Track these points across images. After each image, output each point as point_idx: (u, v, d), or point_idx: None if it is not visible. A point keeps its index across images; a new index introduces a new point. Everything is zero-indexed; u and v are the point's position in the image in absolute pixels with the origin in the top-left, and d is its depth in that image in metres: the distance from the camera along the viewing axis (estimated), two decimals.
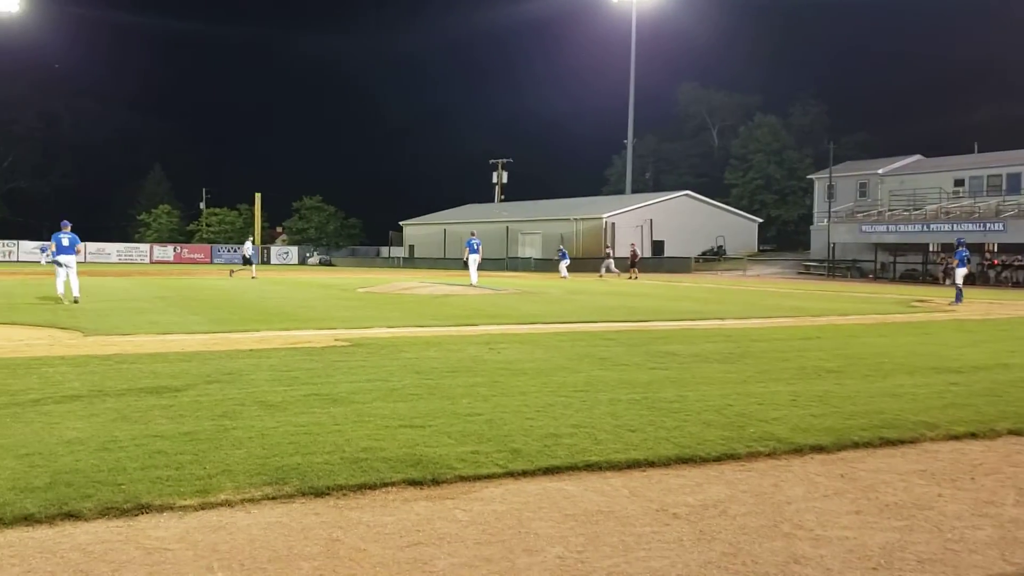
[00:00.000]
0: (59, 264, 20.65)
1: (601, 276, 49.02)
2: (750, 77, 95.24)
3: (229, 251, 78.58)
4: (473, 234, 35.09)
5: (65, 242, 20.89)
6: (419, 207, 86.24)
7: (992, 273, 43.46)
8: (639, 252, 51.59)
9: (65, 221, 21.57)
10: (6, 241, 70.59)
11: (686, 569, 4.17)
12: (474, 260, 31.96)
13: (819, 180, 66.30)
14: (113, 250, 75.93)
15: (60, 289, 20.83)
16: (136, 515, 4.79)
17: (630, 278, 45.48)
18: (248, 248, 43.14)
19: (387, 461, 5.87)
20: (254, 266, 42.21)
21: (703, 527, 4.80)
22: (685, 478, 5.79)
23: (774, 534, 4.71)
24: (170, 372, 9.62)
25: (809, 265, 58.01)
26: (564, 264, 47.50)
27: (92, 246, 73.67)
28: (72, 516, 4.72)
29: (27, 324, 15.21)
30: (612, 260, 53.49)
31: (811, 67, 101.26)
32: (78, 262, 21.71)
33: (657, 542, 4.55)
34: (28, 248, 69.87)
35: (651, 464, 6.05)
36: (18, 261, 65.30)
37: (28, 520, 4.64)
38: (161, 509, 4.88)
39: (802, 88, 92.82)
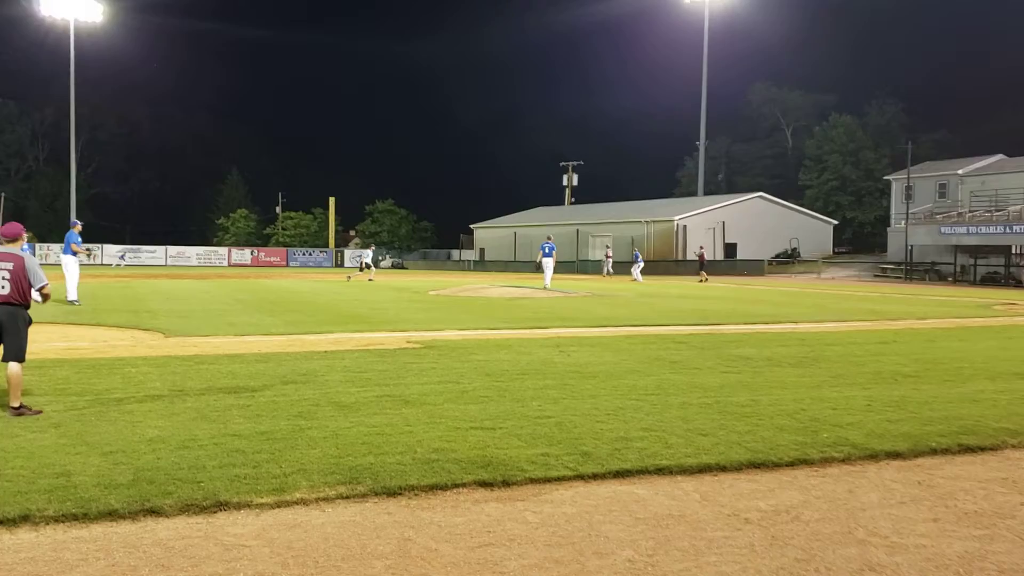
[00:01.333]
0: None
1: (605, 276, 50.61)
2: (825, 76, 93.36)
3: (304, 254, 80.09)
4: (549, 238, 35.28)
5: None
6: (490, 210, 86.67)
7: None
8: (706, 255, 51.15)
9: (73, 220, 21.89)
10: (90, 245, 73.14)
11: (758, 574, 4.12)
12: (548, 264, 31.96)
13: (896, 181, 64.60)
14: (193, 253, 78.07)
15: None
16: (215, 512, 4.93)
17: (700, 281, 45.02)
18: (369, 255, 45.32)
19: (458, 462, 5.93)
20: (373, 269, 44.62)
21: (775, 532, 4.73)
22: (757, 483, 5.71)
23: (848, 541, 4.62)
24: (247, 373, 9.86)
25: (886, 268, 56.53)
26: (638, 268, 47.45)
27: (173, 249, 75.86)
28: (153, 512, 4.88)
29: (111, 326, 15.75)
30: (611, 261, 55.72)
31: (889, 65, 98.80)
32: (82, 264, 22.21)
33: (728, 547, 4.51)
34: (112, 252, 72.31)
35: (723, 469, 5.98)
36: (102, 264, 67.65)
37: (112, 515, 4.82)
38: (239, 507, 5.02)
39: (879, 87, 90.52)
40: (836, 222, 73.59)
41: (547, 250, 32.55)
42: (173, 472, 5.59)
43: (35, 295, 7.78)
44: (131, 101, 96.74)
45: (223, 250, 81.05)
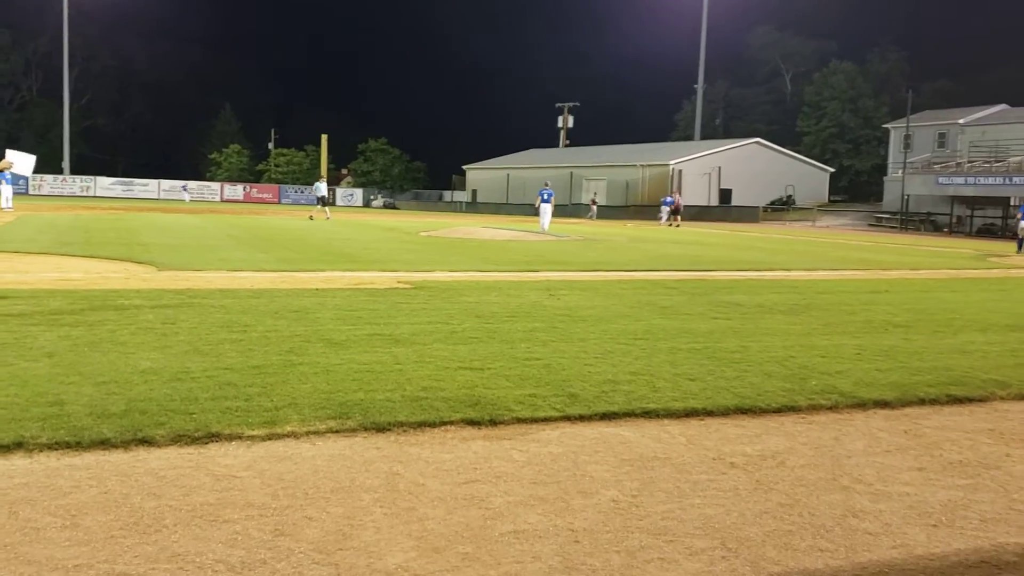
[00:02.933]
0: None
1: (588, 220, 51.06)
2: (827, 21, 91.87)
3: (296, 191, 79.61)
4: (547, 184, 35.62)
5: None
6: (483, 151, 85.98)
7: None
8: (680, 200, 50.94)
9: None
10: (84, 177, 72.54)
11: (741, 518, 4.20)
12: (546, 209, 32.16)
13: (895, 130, 64.24)
14: (185, 187, 77.50)
15: None
16: (206, 443, 4.98)
17: (672, 225, 45.19)
18: (321, 188, 42.01)
19: (446, 401, 5.98)
20: (327, 208, 41.18)
21: (760, 477, 4.81)
22: (744, 428, 5.79)
23: (832, 487, 4.69)
24: (240, 307, 9.88)
25: (881, 217, 56.52)
26: (666, 210, 47.78)
27: (165, 183, 75.24)
28: (146, 442, 4.93)
29: (104, 258, 15.71)
30: (596, 206, 56.63)
31: (891, 11, 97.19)
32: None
33: (713, 490, 4.58)
34: (105, 184, 71.72)
35: (709, 413, 6.05)
36: (95, 196, 67.14)
37: (105, 444, 4.86)
38: (230, 438, 5.07)
39: (881, 33, 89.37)
40: (833, 170, 73.33)
41: (545, 196, 32.92)
42: (165, 403, 5.63)
43: None
44: (125, 32, 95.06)
45: (216, 185, 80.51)
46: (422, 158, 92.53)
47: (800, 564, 3.70)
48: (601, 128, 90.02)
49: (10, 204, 34.90)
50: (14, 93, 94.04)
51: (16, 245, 17.89)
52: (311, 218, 38.99)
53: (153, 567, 3.44)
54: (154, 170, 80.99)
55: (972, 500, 4.56)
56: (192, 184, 78.46)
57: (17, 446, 4.75)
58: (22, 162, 8.45)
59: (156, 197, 71.70)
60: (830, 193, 72.19)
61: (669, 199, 50.45)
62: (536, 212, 33.72)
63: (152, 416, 5.34)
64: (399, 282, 13.21)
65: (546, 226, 31.68)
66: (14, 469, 4.48)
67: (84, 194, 68.81)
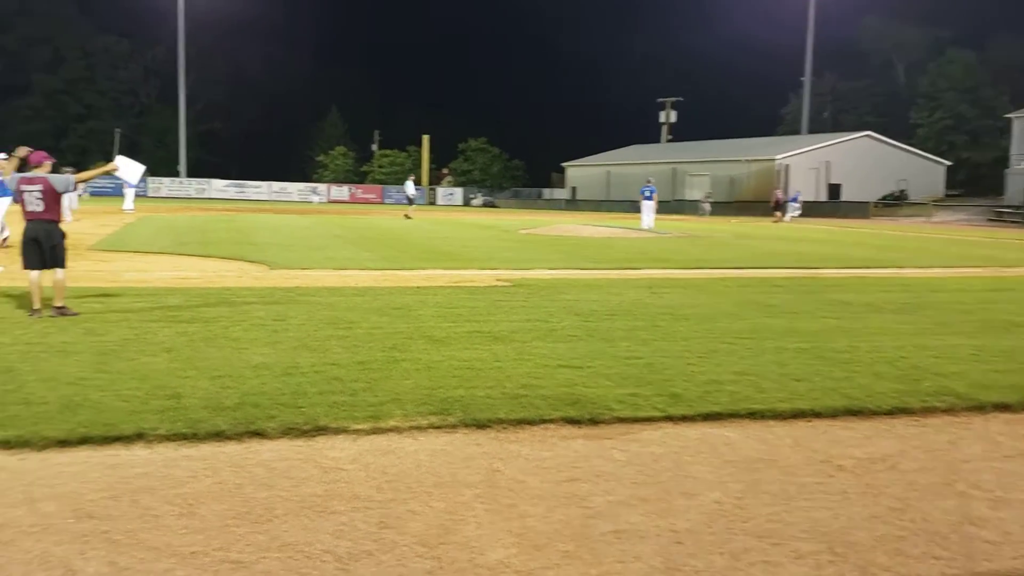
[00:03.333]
0: None
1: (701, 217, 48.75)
2: (942, 8, 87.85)
3: (398, 192, 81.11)
4: (649, 181, 35.65)
5: None
6: (583, 149, 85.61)
7: None
8: (780, 195, 49.42)
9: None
10: (200, 179, 75.60)
11: (849, 522, 4.07)
12: (648, 206, 31.98)
13: (1018, 119, 60.96)
14: (294, 189, 79.89)
15: None
16: (314, 436, 5.14)
17: (775, 222, 44.02)
18: (410, 187, 41.43)
19: (546, 399, 6.00)
20: (412, 206, 41.01)
21: (870, 481, 4.66)
22: (853, 430, 5.61)
23: (947, 493, 4.51)
24: (346, 305, 10.13)
25: (1002, 212, 53.74)
26: (794, 208, 46.91)
27: (275, 185, 77.73)
28: (258, 434, 5.12)
29: (218, 257, 16.34)
30: (709, 202, 53.46)
31: None
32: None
33: (820, 493, 4.46)
34: (219, 186, 74.59)
35: (817, 415, 5.89)
36: (210, 198, 69.92)
37: (219, 436, 5.07)
38: (337, 432, 5.21)
39: (1001, 19, 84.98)
40: (949, 163, 70.19)
41: (647, 193, 32.80)
42: (276, 397, 5.83)
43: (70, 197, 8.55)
44: (237, 39, 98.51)
45: (323, 187, 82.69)
46: (521, 156, 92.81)
47: (912, 571, 3.57)
48: (704, 123, 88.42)
49: (131, 206, 36.68)
50: (133, 100, 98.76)
51: (136, 245, 18.79)
52: (407, 217, 38.47)
53: (264, 556, 3.57)
54: (265, 172, 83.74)
55: None
56: (300, 186, 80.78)
57: (138, 437, 5.00)
58: (130, 170, 9.03)
59: (267, 199, 74.15)
60: (946, 187, 69.14)
61: (796, 195, 49.84)
62: (638, 209, 33.51)
63: (264, 409, 5.54)
64: (498, 280, 13.30)
65: (649, 223, 31.41)
66: (135, 459, 4.72)
67: (200, 196, 71.71)
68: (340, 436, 5.16)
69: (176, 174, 75.61)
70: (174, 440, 4.99)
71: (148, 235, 22.55)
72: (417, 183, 50.32)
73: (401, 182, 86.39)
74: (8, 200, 12.75)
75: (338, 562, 3.53)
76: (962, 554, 3.74)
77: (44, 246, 8.94)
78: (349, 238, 23.34)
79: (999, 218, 52.70)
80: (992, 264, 19.13)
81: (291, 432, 5.17)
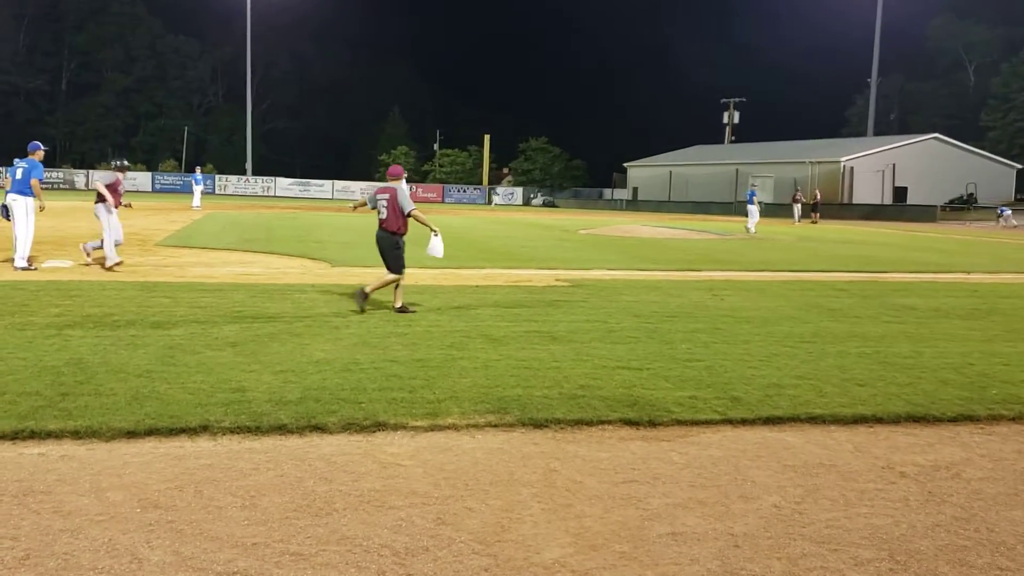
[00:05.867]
0: (5, 209, 13.16)
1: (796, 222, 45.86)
2: (1015, 7, 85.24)
3: (459, 191, 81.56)
4: (753, 185, 35.61)
5: (18, 175, 13.08)
6: (644, 149, 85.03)
7: None
8: (820, 196, 47.87)
9: (34, 143, 13.50)
10: (265, 178, 77.00)
11: (911, 530, 4.00)
12: (751, 211, 31.90)
13: None
14: (356, 188, 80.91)
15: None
16: (373, 431, 5.22)
17: (812, 222, 42.94)
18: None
19: (604, 400, 6.00)
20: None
21: (932, 488, 4.56)
22: (916, 437, 5.50)
23: (1014, 503, 4.40)
24: (405, 303, 10.22)
25: None
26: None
27: (339, 184, 78.76)
28: (319, 429, 5.22)
29: (283, 254, 16.65)
30: (799, 205, 49.86)
31: None
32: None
33: (881, 500, 4.38)
34: (284, 184, 75.87)
35: (879, 420, 5.79)
36: (275, 196, 71.18)
37: (281, 430, 5.18)
38: (395, 428, 5.29)
39: None
40: (1021, 166, 68.08)
41: (749, 197, 33.32)
42: (337, 392, 5.93)
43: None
44: (302, 39, 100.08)
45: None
46: (582, 156, 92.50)
47: None
48: (768, 124, 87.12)
49: (199, 203, 37.60)
50: (202, 98, 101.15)
51: (203, 241, 19.23)
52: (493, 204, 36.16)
53: (324, 548, 3.64)
54: (328, 171, 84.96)
55: None
56: (363, 184, 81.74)
57: (203, 429, 5.13)
58: (437, 247, 10.20)
59: (331, 197, 75.19)
60: (1017, 191, 67.03)
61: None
62: (700, 211, 33.35)
63: (325, 404, 5.64)
64: (557, 280, 13.31)
65: (748, 227, 31.31)
66: (200, 451, 4.84)
67: (265, 194, 72.99)
68: (399, 432, 5.23)
69: (243, 172, 77.12)
70: (238, 433, 5.11)
71: (214, 231, 23.06)
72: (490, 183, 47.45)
73: (463, 181, 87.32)
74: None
75: (395, 556, 3.58)
76: None
77: None
78: (409, 236, 23.53)
79: None
80: None
81: (351, 427, 5.25)
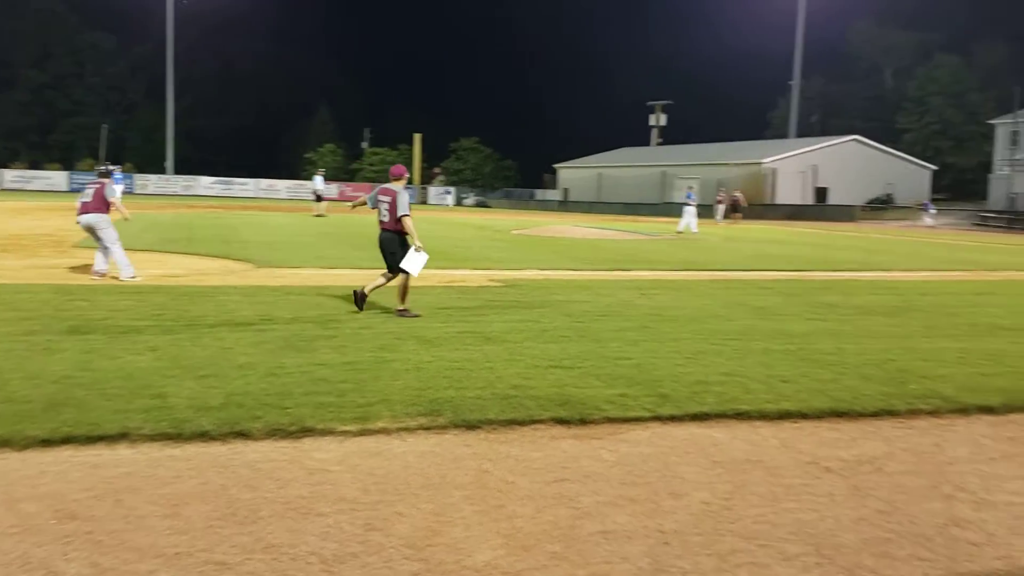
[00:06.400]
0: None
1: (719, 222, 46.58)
2: (930, 13, 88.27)
3: None
4: (691, 187, 38.36)
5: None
6: (574, 150, 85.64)
7: None
8: (742, 199, 48.98)
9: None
10: (187, 176, 75.24)
11: (836, 524, 4.08)
12: (689, 211, 32.80)
13: (1002, 125, 61.48)
14: (282, 186, 79.61)
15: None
16: (300, 437, 5.11)
17: (735, 223, 43.86)
18: (319, 182, 37.63)
19: (536, 399, 5.99)
20: (325, 203, 36.36)
21: (856, 482, 4.66)
22: (839, 432, 5.62)
23: (933, 495, 4.52)
24: (333, 304, 10.09)
25: (986, 216, 54.10)
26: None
27: (263, 182, 77.47)
28: (243, 435, 5.08)
29: (205, 255, 16.26)
30: (723, 207, 50.54)
31: (999, 0, 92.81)
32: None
33: (807, 494, 4.46)
34: (206, 183, 74.29)
35: (803, 416, 5.90)
36: (197, 195, 69.61)
37: (204, 436, 5.03)
38: (323, 433, 5.18)
39: (988, 25, 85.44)
40: (935, 168, 70.61)
41: (688, 198, 34.01)
42: (262, 397, 5.79)
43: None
44: (226, 36, 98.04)
45: (312, 184, 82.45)
46: (513, 156, 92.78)
47: (898, 573, 3.57)
48: (694, 127, 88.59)
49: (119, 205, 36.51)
50: (121, 96, 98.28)
51: (122, 242, 18.65)
52: (317, 215, 34.20)
53: (249, 557, 3.54)
54: (253, 169, 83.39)
55: None
56: (289, 183, 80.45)
57: (122, 436, 4.96)
58: (414, 261, 9.73)
59: (254, 196, 73.82)
60: (932, 191, 69.51)
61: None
62: (629, 212, 33.79)
63: (249, 410, 5.50)
64: (490, 280, 13.29)
65: (690, 226, 31.87)
66: (119, 459, 4.67)
67: (186, 193, 71.27)
68: (327, 437, 5.13)
69: (163, 171, 75.27)
70: (159, 440, 4.95)
71: (133, 232, 22.42)
72: (326, 177, 44.73)
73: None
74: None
75: (323, 564, 3.50)
76: (946, 556, 3.75)
77: None
78: (339, 236, 23.27)
79: (983, 222, 53.03)
80: (977, 268, 19.24)
81: (277, 433, 5.13)
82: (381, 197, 9.72)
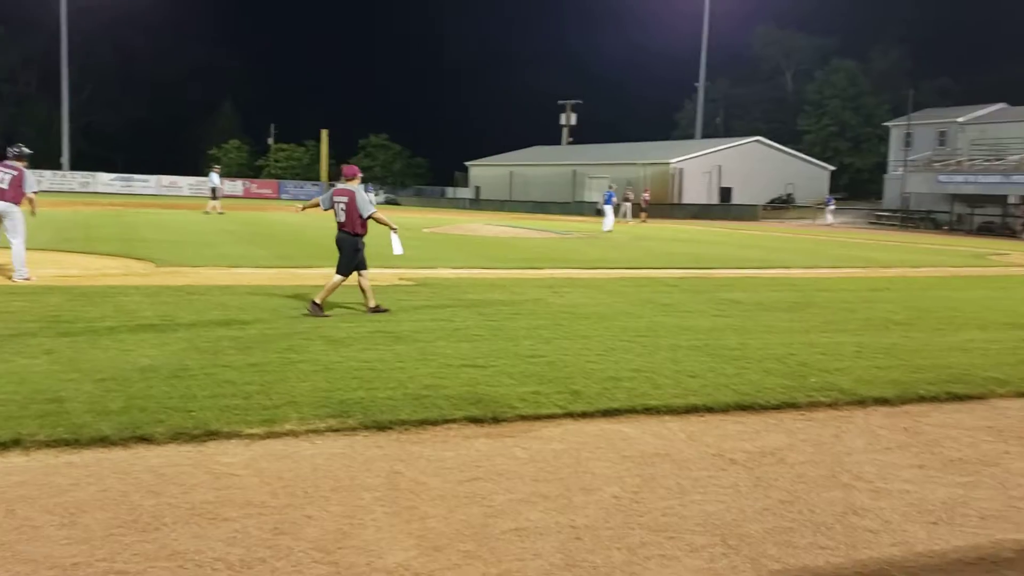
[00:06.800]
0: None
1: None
2: (829, 19, 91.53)
3: (296, 187, 79.57)
4: (611, 187, 38.71)
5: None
6: (486, 148, 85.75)
7: None
8: (648, 197, 50.02)
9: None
10: (84, 173, 72.44)
11: (741, 514, 4.18)
12: (608, 211, 33.58)
13: (896, 128, 64.17)
14: (185, 183, 77.45)
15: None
16: (205, 441, 4.97)
17: (642, 222, 44.71)
18: (215, 178, 36.55)
19: (449, 399, 5.97)
20: (219, 201, 35.35)
21: (760, 474, 4.80)
22: (744, 425, 5.77)
23: (832, 484, 4.68)
24: (238, 304, 9.86)
25: (881, 215, 56.42)
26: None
27: (165, 179, 75.25)
28: (145, 439, 4.92)
29: (103, 254, 15.69)
30: (630, 204, 51.07)
31: (893, 8, 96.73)
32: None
33: (713, 486, 4.57)
34: (105, 180, 71.70)
35: (710, 410, 6.04)
36: (95, 192, 67.13)
37: (104, 442, 4.85)
38: (229, 436, 5.05)
39: (883, 31, 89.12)
40: (833, 168, 73.23)
41: (607, 198, 34.73)
42: (164, 401, 5.62)
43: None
44: (125, 29, 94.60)
45: (208, 180, 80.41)
46: (424, 154, 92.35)
47: (800, 562, 3.69)
48: (604, 126, 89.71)
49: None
50: (12, 88, 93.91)
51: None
52: (213, 212, 33.30)
53: (152, 566, 3.43)
54: (154, 166, 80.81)
55: (971, 497, 4.55)
56: (192, 180, 78.28)
57: (14, 443, 4.73)
58: (398, 244, 10.16)
59: (156, 193, 71.61)
60: (831, 191, 72.09)
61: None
62: (541, 211, 34.22)
63: (151, 413, 5.32)
64: (401, 279, 13.19)
65: (604, 225, 32.34)
66: (11, 467, 4.47)
67: (84, 190, 68.62)
68: (232, 441, 5.00)
69: (59, 167, 72.29)
70: (54, 446, 4.75)
71: (27, 231, 21.45)
72: (224, 175, 43.13)
73: (300, 177, 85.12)
74: None
75: (230, 570, 3.42)
76: (845, 543, 3.89)
77: None
78: (242, 234, 22.76)
79: (879, 221, 55.30)
80: (872, 265, 20.04)
81: (180, 437, 4.98)
82: (337, 198, 9.61)
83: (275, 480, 4.43)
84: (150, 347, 7.29)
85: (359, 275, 9.66)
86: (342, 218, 9.54)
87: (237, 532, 3.77)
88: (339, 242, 9.67)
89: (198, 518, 3.91)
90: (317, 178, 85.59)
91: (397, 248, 10.03)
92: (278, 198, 76.76)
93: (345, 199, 9.52)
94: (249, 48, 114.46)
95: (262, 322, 8.77)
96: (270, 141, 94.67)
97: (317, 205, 10.22)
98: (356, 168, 9.95)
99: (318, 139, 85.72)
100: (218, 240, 20.42)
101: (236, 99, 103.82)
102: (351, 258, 9.56)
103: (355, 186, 9.64)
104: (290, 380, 6.32)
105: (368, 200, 9.59)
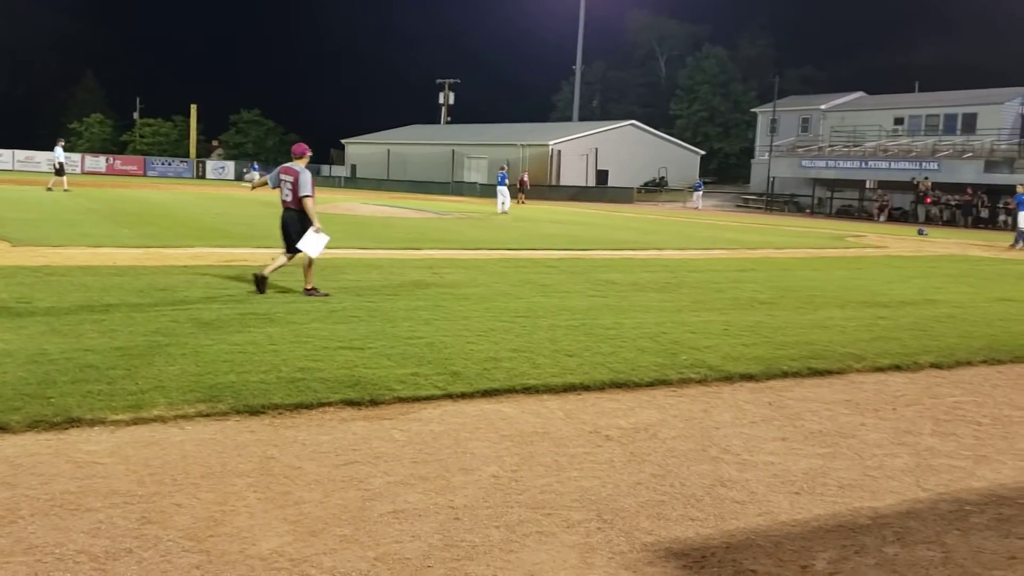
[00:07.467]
0: None
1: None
2: (701, 5, 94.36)
3: (163, 164, 76.39)
4: (503, 167, 38.19)
5: None
6: (363, 126, 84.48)
7: (924, 211, 44.51)
8: (527, 180, 50.77)
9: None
10: None
11: (616, 489, 4.29)
12: (502, 191, 33.76)
13: (763, 114, 66.66)
14: (43, 159, 73.17)
15: None
16: (66, 428, 4.73)
17: (520, 203, 45.29)
18: (59, 153, 34.53)
19: (325, 382, 5.87)
20: (65, 177, 33.30)
21: (634, 449, 4.93)
22: (619, 402, 5.91)
23: (702, 458, 4.85)
24: (101, 286, 9.41)
25: (748, 198, 58.70)
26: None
27: (20, 154, 71.02)
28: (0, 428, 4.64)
29: None
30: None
31: None
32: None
33: (589, 463, 4.66)
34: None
35: (586, 388, 6.16)
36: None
37: None
38: (92, 423, 4.83)
39: (752, 18, 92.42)
40: (704, 152, 75.56)
41: (500, 178, 34.82)
42: (20, 387, 5.31)
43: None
44: None
45: (76, 156, 76.31)
46: (299, 131, 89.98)
47: (672, 533, 3.81)
48: (483, 106, 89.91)
49: None
50: None
51: None
52: (49, 189, 31.63)
53: (8, 560, 3.24)
54: (10, 140, 76.02)
55: (830, 468, 4.80)
56: (50, 155, 74.09)
57: None
58: (312, 243, 9.48)
59: (11, 168, 67.41)
60: (701, 175, 74.41)
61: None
62: (419, 190, 34.07)
63: (6, 401, 5.03)
64: (274, 259, 12.84)
65: (501, 206, 32.45)
66: None
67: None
68: (96, 428, 4.78)
69: None
70: None
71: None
72: (66, 147, 40.78)
73: (167, 153, 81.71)
74: None
75: (95, 562, 3.27)
76: (714, 515, 4.04)
77: None
78: (105, 212, 21.72)
79: (745, 204, 57.53)
80: (739, 246, 20.83)
81: (39, 425, 4.72)
82: (284, 176, 9.56)
83: (142, 468, 4.26)
84: (5, 331, 6.87)
85: (285, 254, 9.69)
86: (288, 196, 9.50)
87: (101, 523, 3.61)
88: (285, 221, 9.61)
89: (58, 509, 3.72)
90: (186, 154, 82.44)
91: (309, 247, 9.45)
92: (144, 175, 73.49)
93: (291, 178, 9.48)
94: (113, 18, 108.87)
95: (127, 304, 8.39)
96: (136, 116, 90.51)
97: (266, 183, 10.14)
98: (306, 147, 9.87)
99: (187, 114, 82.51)
100: (79, 219, 19.42)
101: (99, 72, 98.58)
102: (300, 233, 9.49)
103: (301, 165, 9.57)
104: (157, 364, 6.08)
105: (308, 182, 9.49)
